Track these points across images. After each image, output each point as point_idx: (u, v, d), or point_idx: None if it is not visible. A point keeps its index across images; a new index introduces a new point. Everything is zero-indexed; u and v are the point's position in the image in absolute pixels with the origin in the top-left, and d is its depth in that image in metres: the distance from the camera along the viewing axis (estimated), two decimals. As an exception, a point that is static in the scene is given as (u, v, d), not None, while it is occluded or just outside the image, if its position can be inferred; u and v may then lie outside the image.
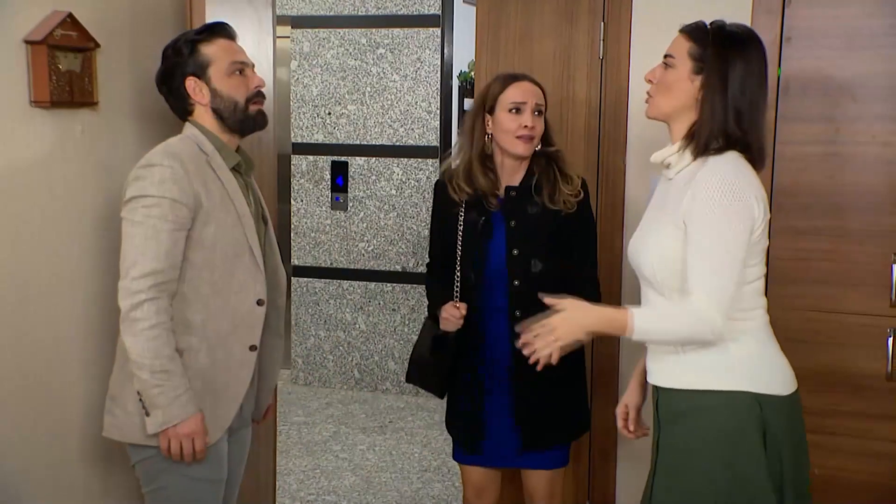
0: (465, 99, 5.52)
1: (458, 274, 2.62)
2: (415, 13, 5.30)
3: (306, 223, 5.57)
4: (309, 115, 5.49)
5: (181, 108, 2.24)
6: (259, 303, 2.24)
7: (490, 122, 2.58)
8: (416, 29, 5.29)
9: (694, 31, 2.07)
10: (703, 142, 2.01)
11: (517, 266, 2.56)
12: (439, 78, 5.28)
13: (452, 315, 2.56)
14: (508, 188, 2.60)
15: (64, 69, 2.24)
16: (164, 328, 2.07)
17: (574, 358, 2.54)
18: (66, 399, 2.39)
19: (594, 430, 3.07)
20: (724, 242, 1.93)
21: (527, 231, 2.57)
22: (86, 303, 2.42)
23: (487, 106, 2.58)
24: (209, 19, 2.54)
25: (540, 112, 2.57)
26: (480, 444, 2.65)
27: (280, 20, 5.40)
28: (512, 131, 2.54)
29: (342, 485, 4.17)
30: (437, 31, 5.29)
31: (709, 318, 1.93)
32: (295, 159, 5.54)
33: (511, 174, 2.61)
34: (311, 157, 5.53)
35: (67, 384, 2.38)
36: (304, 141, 5.51)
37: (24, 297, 2.23)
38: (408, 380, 2.76)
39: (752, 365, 2.04)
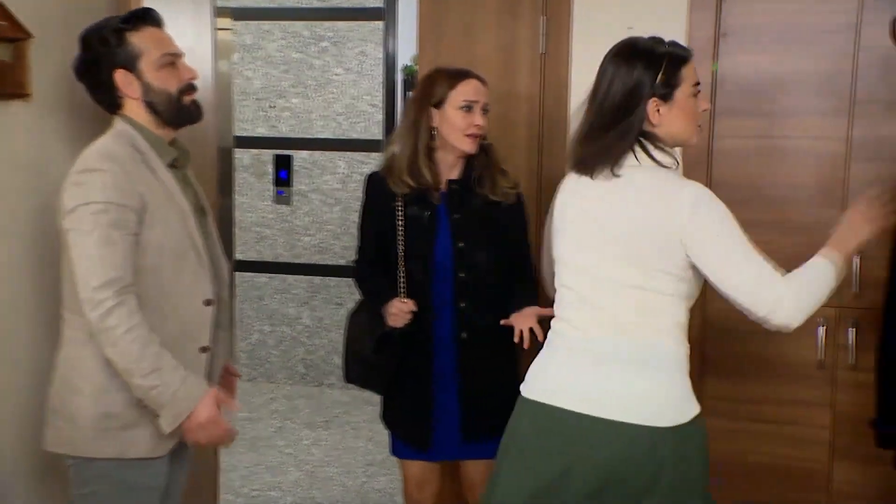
0: (409, 93, 5.52)
1: (402, 269, 2.62)
2: (358, 6, 5.29)
3: (249, 217, 5.52)
4: (252, 108, 5.44)
5: (108, 101, 2.15)
6: (207, 303, 2.18)
7: (436, 118, 2.58)
8: (359, 22, 5.28)
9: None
10: None
11: (463, 258, 2.58)
12: (383, 71, 5.28)
13: (401, 310, 2.55)
14: (451, 182, 2.61)
15: (-5, 59, 2.20)
16: (140, 328, 1.99)
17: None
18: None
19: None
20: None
21: (471, 223, 2.59)
22: (14, 307, 2.36)
23: (434, 101, 2.57)
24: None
25: (486, 110, 2.60)
26: (428, 440, 2.67)
27: (221, 12, 5.33)
28: (462, 129, 2.55)
29: (286, 480, 4.16)
30: (381, 24, 5.28)
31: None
32: (237, 153, 5.49)
33: (451, 168, 2.63)
34: (253, 151, 5.49)
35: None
36: (247, 134, 5.47)
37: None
38: (348, 380, 2.73)
39: (682, 390, 2.06)
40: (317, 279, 5.48)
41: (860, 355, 2.84)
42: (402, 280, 2.61)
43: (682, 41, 2.89)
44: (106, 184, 1.99)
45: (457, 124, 2.55)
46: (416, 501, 2.80)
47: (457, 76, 2.60)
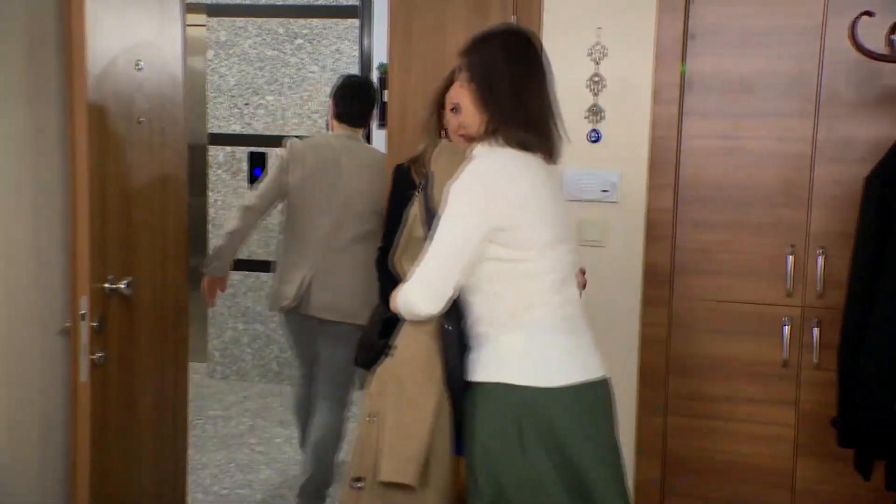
0: (385, 91, 5.50)
1: None
2: (333, 3, 5.28)
3: (223, 215, 5.48)
4: (226, 105, 5.42)
5: None
6: None
7: (444, 117, 2.62)
8: (334, 19, 5.27)
9: None
10: None
11: None
12: (359, 69, 5.26)
13: None
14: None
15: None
16: None
17: None
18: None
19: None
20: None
21: None
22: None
23: (440, 101, 2.63)
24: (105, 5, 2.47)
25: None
26: None
27: (195, 8, 5.32)
28: (453, 129, 2.58)
29: (257, 478, 4.14)
30: (356, 21, 5.27)
31: None
32: (212, 150, 5.46)
33: None
34: (228, 148, 5.46)
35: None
36: (221, 132, 5.44)
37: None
38: (355, 363, 2.74)
39: (518, 358, 2.10)
40: (291, 277, 5.45)
41: (824, 354, 2.87)
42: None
43: (651, 42, 2.93)
44: None
45: (450, 124, 2.59)
46: None
47: (450, 78, 2.64)
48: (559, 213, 2.17)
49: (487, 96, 2.12)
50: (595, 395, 2.16)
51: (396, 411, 2.17)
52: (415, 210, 2.41)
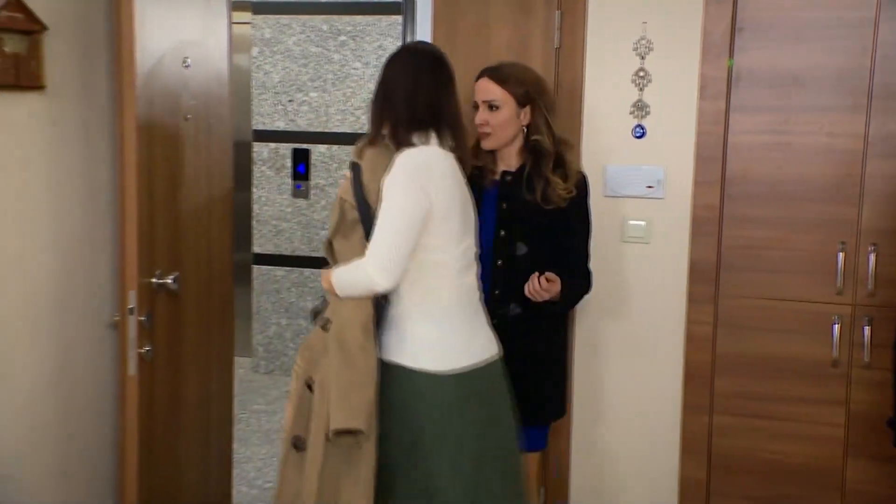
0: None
1: None
2: (377, 0, 5.29)
3: (267, 211, 5.54)
4: (270, 102, 5.46)
5: None
6: None
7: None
8: (378, 16, 5.28)
9: None
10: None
11: (502, 247, 2.62)
12: (401, 66, 5.26)
13: None
14: (505, 172, 2.67)
15: (9, 51, 2.21)
16: None
17: (558, 341, 2.76)
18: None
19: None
20: None
21: (517, 215, 2.63)
22: (32, 301, 2.38)
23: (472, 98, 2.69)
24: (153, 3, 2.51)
25: (493, 107, 2.62)
26: None
27: (241, 6, 5.37)
28: (477, 127, 2.65)
29: (300, 472, 4.17)
30: (400, 18, 5.26)
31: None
32: (256, 147, 5.51)
33: (508, 159, 2.69)
34: (272, 145, 5.50)
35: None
36: (266, 128, 5.48)
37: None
38: None
39: (414, 343, 2.30)
40: (334, 273, 5.49)
41: (875, 353, 2.81)
42: None
43: (697, 36, 2.90)
44: None
45: (474, 121, 2.64)
46: None
47: (477, 77, 2.69)
48: (468, 211, 2.40)
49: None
50: (491, 375, 2.37)
51: (342, 370, 2.26)
52: (344, 193, 2.42)
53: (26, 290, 2.33)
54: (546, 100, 2.66)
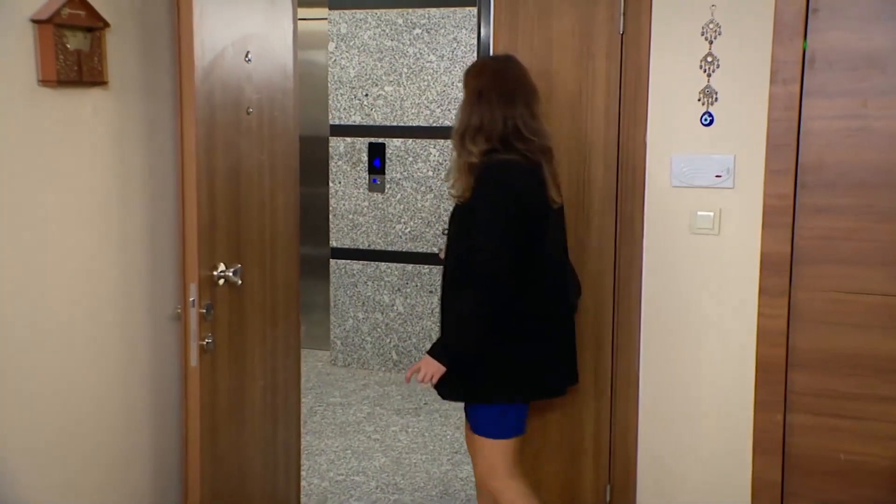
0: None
1: None
2: (450, -7, 5.27)
3: (344, 205, 5.59)
4: (346, 96, 5.50)
5: None
6: None
7: None
8: (452, 9, 5.26)
9: None
10: None
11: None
12: (476, 58, 5.23)
13: None
14: None
15: (72, 48, 2.26)
16: None
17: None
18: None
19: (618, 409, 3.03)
20: None
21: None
22: (98, 297, 2.42)
23: None
24: (217, -1, 2.54)
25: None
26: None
27: (317, 2, 5.43)
28: None
29: (372, 465, 4.19)
30: (474, 10, 5.25)
31: None
32: (332, 141, 5.56)
33: None
34: (348, 139, 5.55)
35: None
36: (342, 122, 5.53)
37: (37, 295, 2.20)
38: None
39: None
40: (409, 267, 5.50)
41: (962, 350, 2.66)
42: None
43: (769, 18, 2.78)
44: None
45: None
46: (514, 476, 2.74)
47: None
48: None
49: None
50: None
51: None
52: None
53: (92, 284, 2.39)
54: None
